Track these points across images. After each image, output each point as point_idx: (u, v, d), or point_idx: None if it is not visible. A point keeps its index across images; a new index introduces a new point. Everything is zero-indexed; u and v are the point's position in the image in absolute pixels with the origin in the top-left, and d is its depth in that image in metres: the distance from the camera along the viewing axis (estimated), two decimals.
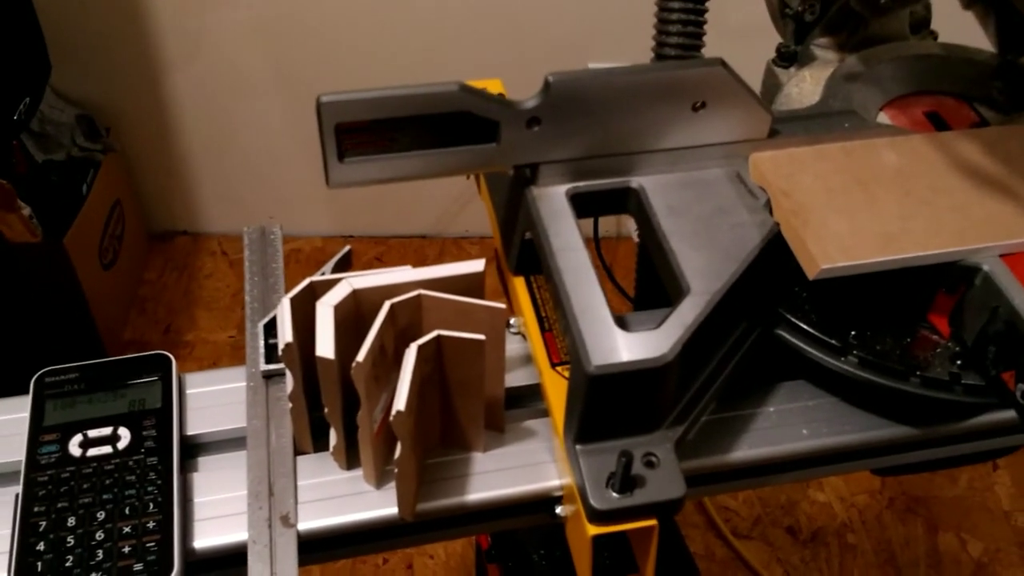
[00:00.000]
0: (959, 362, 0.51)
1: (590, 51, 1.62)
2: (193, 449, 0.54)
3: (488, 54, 1.63)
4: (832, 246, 0.49)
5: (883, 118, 0.58)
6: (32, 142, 1.50)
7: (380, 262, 1.86)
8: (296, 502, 0.50)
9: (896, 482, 1.48)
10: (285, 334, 0.47)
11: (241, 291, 1.81)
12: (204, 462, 0.53)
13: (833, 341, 0.52)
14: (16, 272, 1.43)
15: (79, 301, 1.51)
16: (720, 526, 1.42)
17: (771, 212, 0.53)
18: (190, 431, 0.54)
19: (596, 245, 0.71)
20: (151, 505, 0.48)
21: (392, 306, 0.48)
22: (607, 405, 0.47)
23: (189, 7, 1.59)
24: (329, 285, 0.49)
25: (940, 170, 0.53)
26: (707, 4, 0.64)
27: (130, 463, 0.50)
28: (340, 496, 0.51)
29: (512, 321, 0.60)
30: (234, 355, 1.67)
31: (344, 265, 0.57)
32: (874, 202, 0.52)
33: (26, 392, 0.53)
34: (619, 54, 1.73)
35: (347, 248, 0.58)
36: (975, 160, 0.53)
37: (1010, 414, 0.53)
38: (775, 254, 0.52)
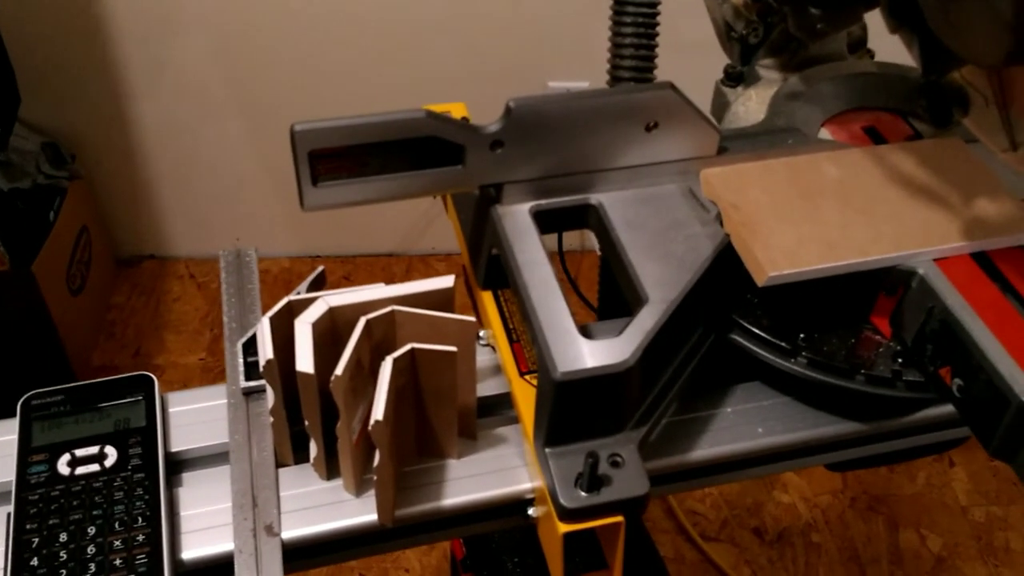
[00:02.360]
0: (900, 360, 0.54)
1: (551, 71, 1.67)
2: (178, 465, 0.56)
3: (450, 75, 1.66)
4: (778, 255, 0.53)
5: (824, 133, 0.62)
6: None
7: (348, 281, 1.88)
8: (279, 512, 0.52)
9: (857, 481, 1.52)
10: (266, 351, 0.49)
11: (210, 313, 1.83)
12: (189, 477, 0.55)
13: (783, 344, 0.55)
14: None
15: (48, 327, 1.51)
16: (689, 529, 1.45)
17: (722, 224, 0.56)
18: (174, 448, 0.56)
19: (561, 259, 0.74)
20: (140, 519, 0.50)
21: (367, 322, 0.51)
22: (573, 409, 0.50)
23: (152, 34, 1.60)
24: (306, 304, 0.51)
25: (878, 181, 0.57)
26: (658, 27, 0.68)
27: (118, 480, 0.52)
28: (322, 505, 0.53)
29: (482, 333, 0.63)
30: (204, 377, 1.68)
31: (319, 284, 0.60)
32: (817, 213, 0.55)
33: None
34: (579, 73, 1.78)
35: (321, 268, 0.60)
36: (910, 171, 0.57)
37: (949, 408, 0.57)
38: (726, 263, 0.55)
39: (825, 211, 0.55)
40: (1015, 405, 0.46)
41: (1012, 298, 0.52)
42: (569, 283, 0.82)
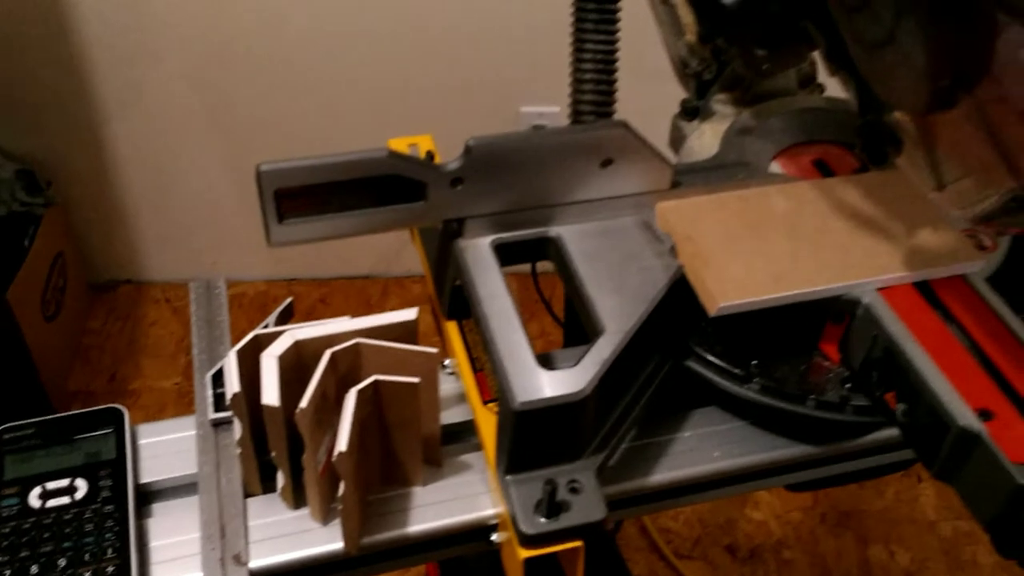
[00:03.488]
0: (848, 385, 0.57)
1: (523, 96, 1.69)
2: (148, 496, 0.57)
3: (423, 102, 1.69)
4: (729, 285, 0.55)
5: (775, 167, 0.64)
6: None
7: (324, 304, 1.89)
8: (247, 542, 0.53)
9: (827, 498, 1.54)
10: (233, 385, 0.51)
11: (185, 338, 1.83)
12: (159, 508, 0.56)
13: (737, 370, 0.57)
14: None
15: (22, 354, 1.51)
16: (662, 547, 1.47)
17: (676, 256, 0.58)
18: (144, 479, 0.57)
19: (534, 281, 0.76)
20: (110, 550, 0.51)
21: (332, 355, 0.52)
22: (532, 438, 0.52)
23: (124, 60, 1.62)
24: (273, 337, 0.52)
25: (825, 213, 0.59)
26: (617, 63, 0.70)
27: (88, 512, 0.53)
28: (289, 534, 0.54)
29: (447, 362, 0.64)
30: (179, 402, 1.68)
31: (287, 316, 0.61)
32: (766, 244, 0.57)
33: None
34: (550, 98, 1.80)
35: (289, 300, 0.61)
36: (855, 203, 0.59)
37: (896, 431, 0.59)
38: (681, 293, 0.57)
39: (774, 243, 0.58)
40: (954, 430, 0.48)
41: (952, 326, 0.54)
42: (543, 304, 0.83)
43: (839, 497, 1.55)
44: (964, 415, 0.48)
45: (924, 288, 0.56)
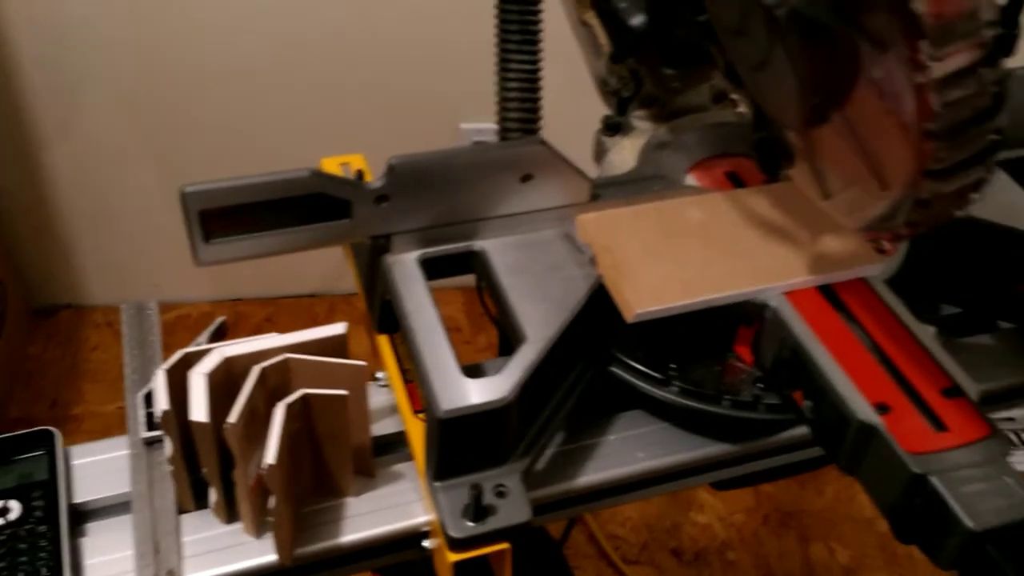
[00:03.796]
0: (760, 385, 0.59)
1: (462, 113, 1.71)
2: (83, 515, 0.57)
3: (362, 120, 1.70)
4: (645, 293, 0.57)
5: (690, 179, 0.67)
6: None
7: (271, 323, 1.88)
8: (180, 557, 0.54)
9: (769, 499, 1.58)
10: (161, 403, 0.52)
11: None
12: (93, 527, 0.57)
13: (657, 374, 0.60)
14: None
15: None
16: (610, 554, 1.49)
17: (596, 266, 0.61)
18: (78, 499, 0.57)
19: (479, 295, 0.78)
20: (44, 569, 0.51)
21: (262, 370, 0.54)
22: (458, 444, 0.53)
23: (60, 85, 1.61)
24: (202, 355, 0.54)
25: (736, 222, 0.62)
26: (541, 81, 0.73)
27: (21, 533, 0.53)
28: (223, 548, 0.55)
29: (379, 375, 0.66)
30: (123, 426, 1.66)
31: (220, 335, 0.62)
32: (680, 253, 0.60)
33: None
34: (489, 114, 1.82)
35: (221, 319, 0.63)
36: (765, 213, 0.62)
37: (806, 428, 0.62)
38: (602, 302, 0.59)
39: (688, 251, 0.60)
40: (854, 424, 0.51)
41: (854, 326, 0.57)
42: (487, 315, 0.85)
43: (781, 499, 1.59)
44: (863, 409, 0.51)
45: (827, 291, 0.59)
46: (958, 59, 0.36)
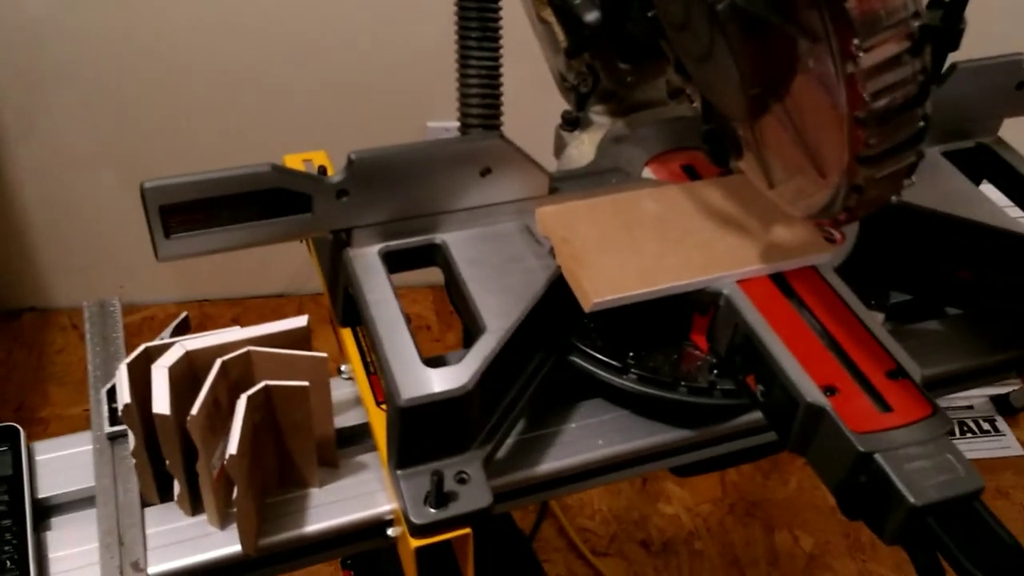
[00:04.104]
0: (715, 372, 0.61)
1: (429, 112, 1.72)
2: (48, 510, 0.58)
3: (328, 119, 1.70)
4: (602, 283, 0.59)
5: (648, 172, 0.69)
6: None
7: (238, 324, 1.87)
8: (145, 549, 0.55)
9: (735, 489, 1.61)
10: (124, 396, 0.52)
11: None
12: (58, 521, 0.57)
13: (615, 362, 0.61)
14: None
15: None
16: (579, 546, 1.50)
17: (554, 257, 0.62)
18: (43, 494, 0.58)
19: (448, 292, 0.79)
20: (8, 563, 0.52)
21: (224, 363, 0.54)
22: (419, 432, 0.54)
23: (19, 87, 1.59)
24: (163, 349, 0.54)
25: (691, 214, 0.64)
26: (501, 76, 0.74)
27: None
28: (187, 540, 0.56)
29: (343, 368, 0.67)
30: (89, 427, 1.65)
31: (182, 330, 0.63)
32: (637, 244, 0.61)
33: None
34: (456, 113, 1.81)
35: (184, 314, 0.63)
36: (718, 204, 0.64)
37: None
38: (561, 293, 0.61)
39: (644, 242, 0.62)
40: (803, 406, 0.53)
41: (804, 312, 0.59)
42: (456, 313, 0.86)
43: (746, 488, 1.62)
44: (811, 392, 0.52)
45: (779, 279, 0.60)
46: (885, 49, 0.38)
